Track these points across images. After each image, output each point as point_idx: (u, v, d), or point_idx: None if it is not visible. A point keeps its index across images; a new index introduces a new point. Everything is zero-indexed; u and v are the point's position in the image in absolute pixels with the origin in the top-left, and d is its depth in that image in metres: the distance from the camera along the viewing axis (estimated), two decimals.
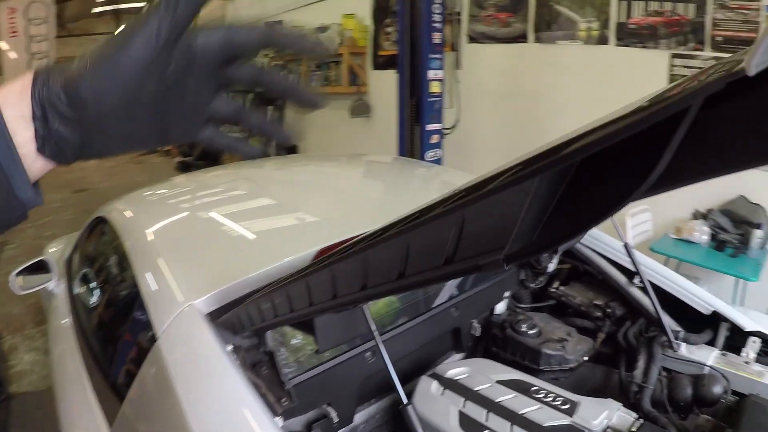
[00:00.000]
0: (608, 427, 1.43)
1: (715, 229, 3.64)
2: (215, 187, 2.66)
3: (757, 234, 3.49)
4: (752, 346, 1.79)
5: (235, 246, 1.87)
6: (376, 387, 1.77)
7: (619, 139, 0.45)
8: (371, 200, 2.51)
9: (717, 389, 1.59)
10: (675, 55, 3.87)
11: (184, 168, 9.34)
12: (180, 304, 1.47)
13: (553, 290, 2.28)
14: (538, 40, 4.78)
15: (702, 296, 1.96)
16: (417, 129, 4.95)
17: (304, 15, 7.34)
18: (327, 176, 2.96)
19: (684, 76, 3.66)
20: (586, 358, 1.93)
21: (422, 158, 4.91)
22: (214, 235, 1.95)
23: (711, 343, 1.86)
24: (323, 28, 6.72)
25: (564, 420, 1.43)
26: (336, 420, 1.60)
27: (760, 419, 1.41)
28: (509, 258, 0.60)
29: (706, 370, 1.72)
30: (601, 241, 2.17)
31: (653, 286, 1.93)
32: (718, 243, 3.59)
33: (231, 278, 1.54)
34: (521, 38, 4.89)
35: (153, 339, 1.44)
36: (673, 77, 3.91)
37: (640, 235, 3.57)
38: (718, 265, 3.41)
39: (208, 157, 9.15)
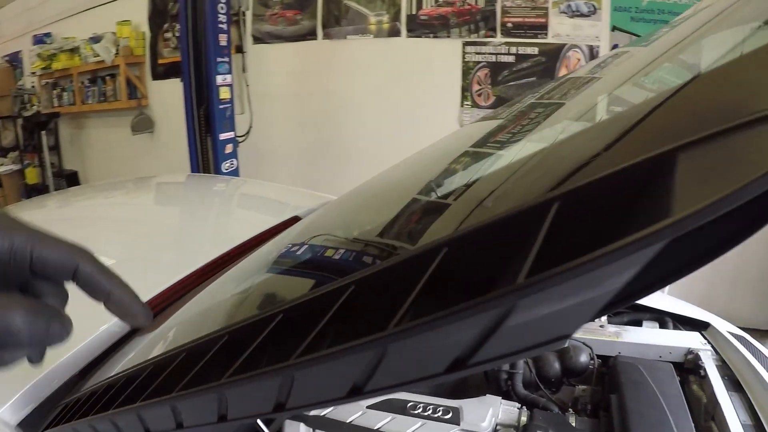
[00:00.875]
0: (498, 425, 1.37)
1: None
2: None
3: None
4: None
5: None
6: None
7: None
8: (175, 232, 2.23)
9: (583, 358, 1.61)
10: (467, 43, 4.06)
11: None
12: None
13: None
14: (327, 36, 4.72)
15: None
16: (209, 140, 4.63)
17: (75, 24, 6.58)
18: (119, 208, 2.58)
19: (478, 63, 3.88)
20: None
21: (218, 170, 4.63)
22: None
23: None
24: (96, 38, 6.05)
25: (454, 430, 1.34)
26: None
27: (636, 377, 1.44)
28: None
29: (567, 342, 1.72)
30: None
31: None
32: None
33: (36, 370, 1.21)
34: (310, 35, 4.80)
35: None
36: (466, 64, 4.07)
37: None
38: None
39: None
